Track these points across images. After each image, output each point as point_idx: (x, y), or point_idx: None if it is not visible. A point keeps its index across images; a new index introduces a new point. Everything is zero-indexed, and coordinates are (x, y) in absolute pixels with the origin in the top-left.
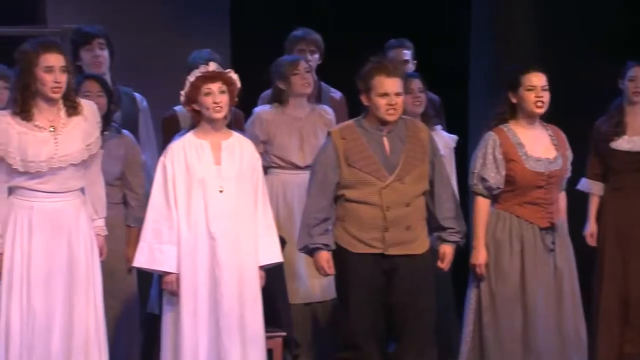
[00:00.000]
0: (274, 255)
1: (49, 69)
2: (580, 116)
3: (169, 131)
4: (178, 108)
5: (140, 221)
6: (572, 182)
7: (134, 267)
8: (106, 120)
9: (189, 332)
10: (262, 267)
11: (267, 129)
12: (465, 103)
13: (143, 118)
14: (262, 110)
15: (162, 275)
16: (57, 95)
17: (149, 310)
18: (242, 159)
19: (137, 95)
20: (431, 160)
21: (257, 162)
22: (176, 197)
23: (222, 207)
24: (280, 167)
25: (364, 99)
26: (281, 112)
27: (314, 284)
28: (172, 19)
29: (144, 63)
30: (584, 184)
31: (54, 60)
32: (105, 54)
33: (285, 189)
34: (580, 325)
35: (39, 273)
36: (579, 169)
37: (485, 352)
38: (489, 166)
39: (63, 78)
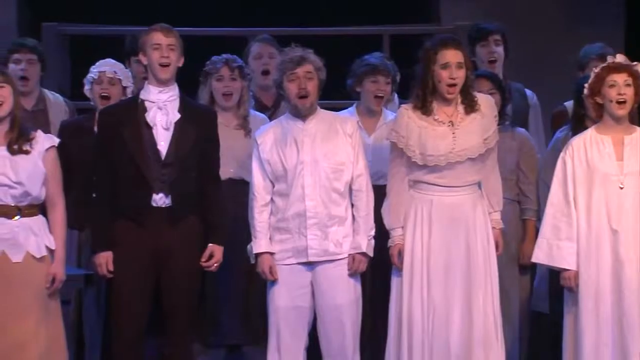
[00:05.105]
0: None
1: (445, 65)
2: None
3: (558, 126)
4: (568, 103)
5: (536, 213)
6: None
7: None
8: (500, 116)
9: (590, 331)
10: None
11: None
12: None
13: (533, 114)
14: None
15: (559, 271)
16: (452, 93)
17: (532, 307)
18: None
19: (527, 91)
20: None
21: None
22: (576, 193)
23: (623, 203)
24: None
25: None
26: None
27: None
28: (562, 13)
29: (534, 58)
30: None
31: (450, 56)
32: (500, 50)
33: None
34: None
35: (438, 265)
36: None
37: None
38: None
39: (459, 74)
